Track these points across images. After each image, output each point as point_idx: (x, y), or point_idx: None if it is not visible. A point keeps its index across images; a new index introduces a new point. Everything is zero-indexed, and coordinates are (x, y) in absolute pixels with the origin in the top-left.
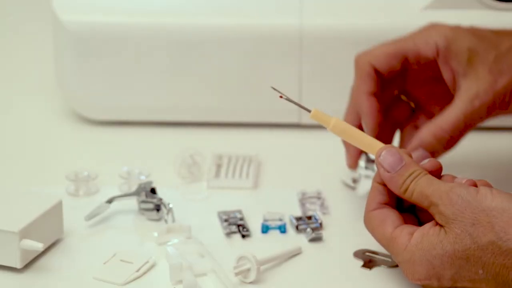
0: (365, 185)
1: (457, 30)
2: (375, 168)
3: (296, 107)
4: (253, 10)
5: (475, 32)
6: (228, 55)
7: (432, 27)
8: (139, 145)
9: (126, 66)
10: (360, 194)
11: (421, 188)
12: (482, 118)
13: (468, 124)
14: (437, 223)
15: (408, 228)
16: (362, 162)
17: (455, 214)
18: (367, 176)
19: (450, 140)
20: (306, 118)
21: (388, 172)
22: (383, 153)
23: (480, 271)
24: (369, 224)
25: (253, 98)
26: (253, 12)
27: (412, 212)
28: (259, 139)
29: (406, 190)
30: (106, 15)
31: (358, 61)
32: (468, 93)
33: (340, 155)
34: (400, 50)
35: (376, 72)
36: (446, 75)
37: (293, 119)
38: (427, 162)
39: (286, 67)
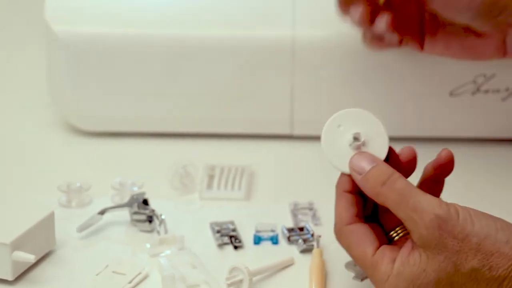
0: None
1: None
2: None
3: (288, 118)
4: (246, 21)
5: None
6: (221, 66)
7: None
8: (132, 156)
9: (119, 77)
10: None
11: (396, 197)
12: None
13: None
14: (413, 244)
15: (389, 253)
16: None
17: (437, 239)
18: None
19: None
20: (298, 129)
21: (360, 174)
22: (354, 157)
23: None
24: (345, 240)
25: (246, 109)
26: (245, 23)
27: (374, 219)
28: (251, 150)
29: (379, 194)
30: (99, 26)
31: None
32: None
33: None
34: None
35: None
36: None
37: (285, 131)
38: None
39: (278, 78)
